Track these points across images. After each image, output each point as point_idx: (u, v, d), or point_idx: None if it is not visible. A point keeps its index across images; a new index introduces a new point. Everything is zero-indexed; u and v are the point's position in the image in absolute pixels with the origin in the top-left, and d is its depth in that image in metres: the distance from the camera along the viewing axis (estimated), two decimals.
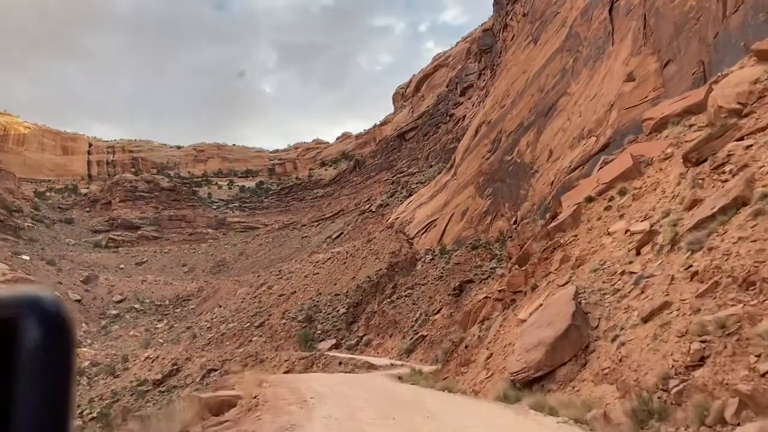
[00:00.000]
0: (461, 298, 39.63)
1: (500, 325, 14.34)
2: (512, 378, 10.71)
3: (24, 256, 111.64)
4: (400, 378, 18.76)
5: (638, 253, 11.32)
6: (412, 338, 42.78)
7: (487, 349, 13.83)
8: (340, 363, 38.38)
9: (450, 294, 43.73)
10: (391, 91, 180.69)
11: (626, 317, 9.71)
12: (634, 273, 10.70)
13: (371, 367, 30.89)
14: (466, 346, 15.28)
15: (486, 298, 19.62)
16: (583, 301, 11.15)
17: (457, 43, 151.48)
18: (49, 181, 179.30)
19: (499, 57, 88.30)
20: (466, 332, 17.41)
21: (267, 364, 50.94)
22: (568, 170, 43.83)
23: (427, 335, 39.59)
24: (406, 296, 52.64)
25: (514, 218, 56.28)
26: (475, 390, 12.15)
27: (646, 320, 8.81)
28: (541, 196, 49.65)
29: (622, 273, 11.22)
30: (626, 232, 12.76)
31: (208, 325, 77.96)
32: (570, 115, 51.50)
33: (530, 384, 10.38)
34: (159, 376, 58.44)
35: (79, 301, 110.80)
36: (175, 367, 59.73)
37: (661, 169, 13.97)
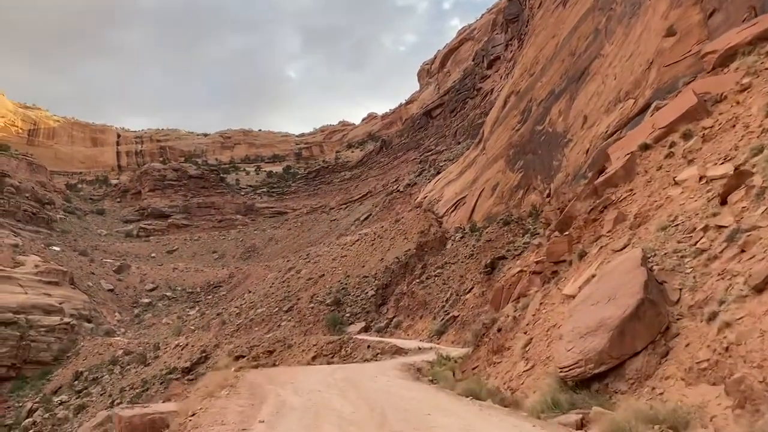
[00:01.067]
0: (493, 275, 37.14)
1: (540, 303, 11.78)
2: (562, 374, 8.13)
3: (55, 247, 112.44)
4: (419, 371, 15.97)
5: (724, 202, 8.69)
6: (442, 319, 40.53)
7: (525, 333, 11.26)
8: (369, 346, 36.33)
9: (481, 272, 41.22)
10: (416, 72, 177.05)
11: (725, 286, 7.09)
12: (725, 227, 8.05)
13: (398, 351, 28.73)
14: (499, 329, 12.77)
15: (521, 272, 17.09)
16: (655, 267, 8.59)
17: (483, 14, 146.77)
18: (81, 173, 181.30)
19: (527, 25, 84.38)
20: (499, 312, 14.98)
21: (295, 349, 49.35)
22: (605, 136, 40.67)
23: (458, 316, 37.28)
24: (436, 276, 50.29)
25: (547, 191, 53.25)
26: (511, 387, 9.55)
27: (760, 289, 6.31)
28: (575, 166, 46.53)
29: (705, 228, 8.56)
30: (701, 179, 10.09)
31: (238, 311, 76.93)
32: (604, 78, 48.02)
33: (588, 383, 7.81)
34: (188, 364, 57.43)
35: (111, 290, 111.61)
36: (204, 354, 58.63)
37: (737, 103, 11.30)
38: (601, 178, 13.63)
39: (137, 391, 57.34)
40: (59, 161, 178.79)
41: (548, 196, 52.54)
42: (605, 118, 43.49)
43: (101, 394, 63.28)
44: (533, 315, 11.55)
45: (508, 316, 13.14)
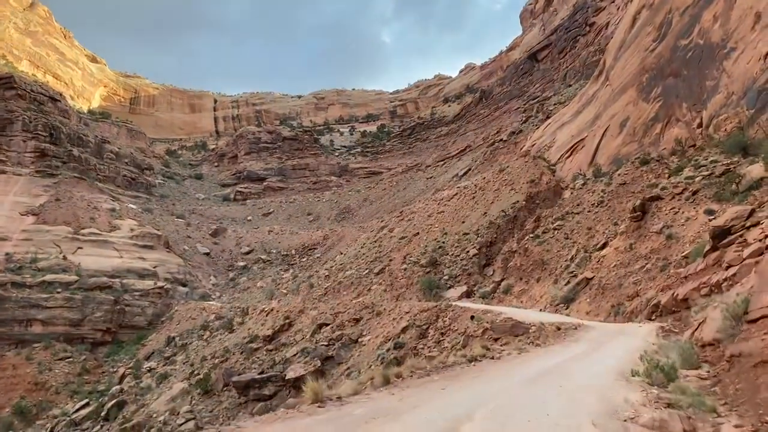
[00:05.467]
0: (645, 222, 27.30)
1: None
2: None
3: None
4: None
5: None
6: (568, 282, 31.31)
7: None
8: (472, 317, 28.08)
9: (625, 219, 31.31)
10: (514, 28, 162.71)
11: None
12: None
13: (516, 326, 20.20)
14: None
15: None
16: None
17: None
18: (180, 139, 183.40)
19: None
20: None
21: (384, 317, 42.16)
22: None
23: (593, 277, 27.91)
24: (555, 230, 40.69)
25: (698, 120, 41.73)
26: None
27: None
28: (744, 79, 34.95)
29: None
30: None
31: (326, 274, 70.85)
32: None
33: None
34: (270, 332, 51.72)
35: (207, 254, 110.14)
36: (288, 320, 52.70)
37: None
38: None
39: (217, 360, 52.47)
40: (160, 128, 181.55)
41: (700, 126, 41.07)
42: None
43: (184, 363, 59.49)
44: None
45: None
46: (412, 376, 11.23)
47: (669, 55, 46.83)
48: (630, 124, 50.36)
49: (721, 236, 16.93)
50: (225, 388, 42.56)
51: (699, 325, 10.19)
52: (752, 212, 16.88)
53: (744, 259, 14.67)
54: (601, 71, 64.23)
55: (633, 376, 8.57)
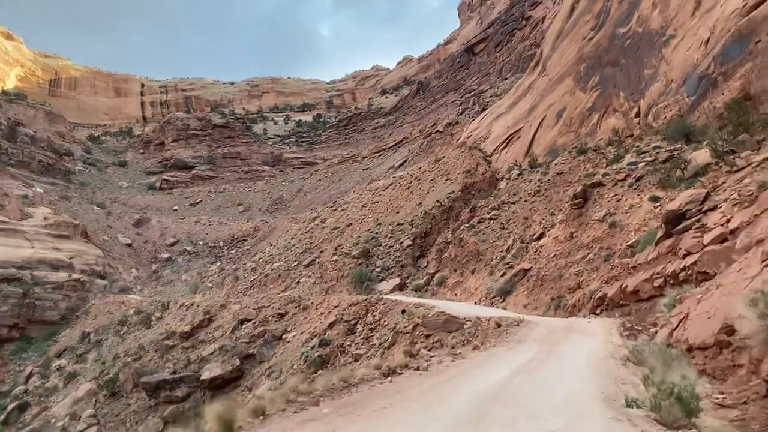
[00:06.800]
0: (587, 210, 25.71)
1: None
2: None
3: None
4: None
5: None
6: (504, 273, 29.56)
7: None
8: (403, 311, 25.96)
9: (564, 208, 29.76)
10: (455, 25, 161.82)
11: None
12: None
13: (450, 321, 18.06)
14: None
15: None
16: None
17: None
18: (105, 125, 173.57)
19: None
20: None
21: (311, 312, 39.65)
22: (741, 13, 28.34)
23: (530, 268, 26.18)
24: (491, 219, 39.01)
25: (635, 109, 41.01)
26: None
27: None
28: (684, 66, 34.12)
29: None
30: None
31: (253, 266, 67.32)
32: None
33: None
34: (188, 328, 48.09)
35: (129, 245, 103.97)
36: (208, 316, 49.19)
37: None
38: None
39: (131, 358, 48.41)
40: (83, 113, 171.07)
41: (637, 116, 40.34)
42: None
43: (96, 361, 54.97)
44: None
45: None
46: (285, 410, 6.96)
47: (607, 44, 46.06)
48: (567, 114, 49.47)
49: (675, 222, 15.21)
50: (134, 390, 38.85)
51: (679, 322, 8.16)
52: (708, 196, 15.24)
53: (705, 246, 12.90)
54: (538, 62, 63.41)
55: (629, 406, 5.97)
